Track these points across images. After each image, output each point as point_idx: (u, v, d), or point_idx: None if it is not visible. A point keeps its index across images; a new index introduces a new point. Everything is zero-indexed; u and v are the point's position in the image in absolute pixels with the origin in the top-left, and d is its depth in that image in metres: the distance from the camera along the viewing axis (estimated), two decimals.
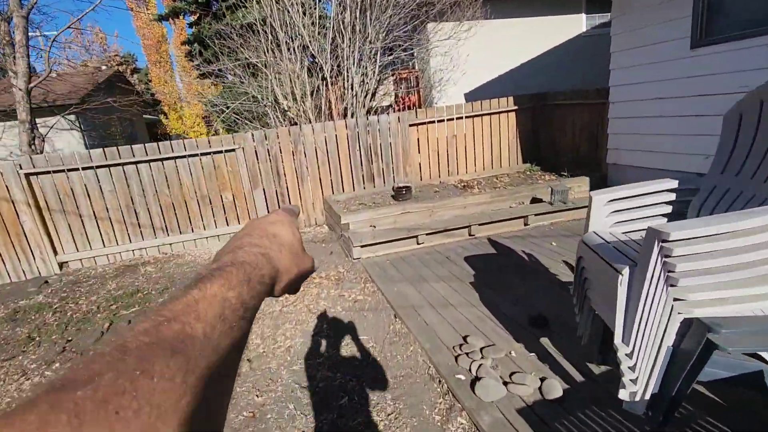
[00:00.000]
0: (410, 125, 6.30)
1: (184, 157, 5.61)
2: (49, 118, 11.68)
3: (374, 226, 5.05)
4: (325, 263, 4.81)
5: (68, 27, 6.20)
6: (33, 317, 4.36)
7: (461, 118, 6.48)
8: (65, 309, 4.45)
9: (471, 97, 8.25)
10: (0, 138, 8.36)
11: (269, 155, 5.86)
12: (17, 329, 4.14)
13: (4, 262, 5.24)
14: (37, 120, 11.31)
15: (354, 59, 6.43)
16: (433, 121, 6.39)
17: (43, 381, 3.18)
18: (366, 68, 6.51)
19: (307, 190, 6.14)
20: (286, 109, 6.82)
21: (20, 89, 5.68)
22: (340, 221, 5.03)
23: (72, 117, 12.21)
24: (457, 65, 7.76)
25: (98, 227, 5.55)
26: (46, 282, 5.24)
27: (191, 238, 5.87)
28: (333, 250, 5.21)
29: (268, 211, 5.99)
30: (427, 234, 4.75)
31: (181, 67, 18.40)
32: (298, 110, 6.69)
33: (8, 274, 5.31)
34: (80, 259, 5.60)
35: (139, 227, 5.69)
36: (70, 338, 3.79)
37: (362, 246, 4.62)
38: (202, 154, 5.65)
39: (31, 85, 5.86)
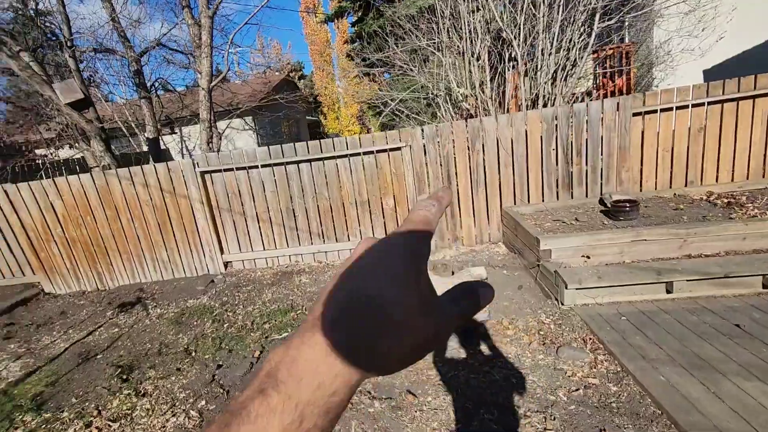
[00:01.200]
0: (634, 114, 4.51)
1: (345, 156, 4.95)
2: (234, 120, 12.99)
3: (588, 257, 3.53)
4: (514, 303, 3.51)
5: (245, 23, 6.30)
6: (195, 323, 4.14)
7: (716, 102, 4.40)
8: (223, 319, 4.14)
9: (719, 74, 5.86)
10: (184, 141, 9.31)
11: (440, 155, 4.81)
12: (179, 336, 3.92)
13: (180, 257, 5.36)
14: (222, 122, 12.73)
15: (554, 32, 4.93)
16: (670, 108, 4.46)
17: (186, 424, 2.66)
18: (570, 41, 4.94)
19: (481, 199, 4.92)
20: (461, 98, 5.72)
21: (203, 88, 5.88)
22: (536, 246, 3.66)
23: (249, 118, 13.45)
24: (708, 27, 5.44)
25: (259, 229, 5.30)
26: (212, 281, 5.17)
27: (347, 248, 5.22)
28: (522, 284, 3.87)
29: None
30: (688, 280, 3.03)
31: (340, 69, 19.21)
32: (476, 100, 5.51)
33: (183, 269, 5.42)
34: (242, 260, 5.45)
35: (297, 231, 5.27)
36: (221, 362, 3.31)
37: (579, 288, 3.17)
38: (364, 153, 4.92)
39: (212, 83, 6.05)
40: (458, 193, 4.90)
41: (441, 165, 4.84)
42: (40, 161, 8.10)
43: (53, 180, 5.10)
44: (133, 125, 9.38)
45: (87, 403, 3.03)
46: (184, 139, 12.66)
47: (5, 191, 5.15)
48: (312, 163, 5.02)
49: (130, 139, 10.31)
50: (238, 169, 5.09)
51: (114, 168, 5.58)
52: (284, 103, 12.00)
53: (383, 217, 5.11)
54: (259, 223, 5.27)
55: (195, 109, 7.56)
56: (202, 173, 5.11)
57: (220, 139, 6.18)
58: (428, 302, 0.30)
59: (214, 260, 5.36)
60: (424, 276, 0.31)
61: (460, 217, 4.97)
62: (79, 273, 5.47)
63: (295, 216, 5.22)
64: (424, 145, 4.80)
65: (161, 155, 7.34)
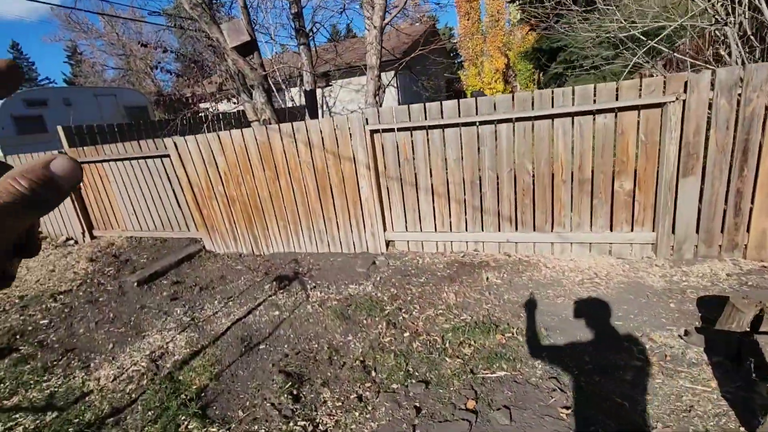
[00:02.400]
0: None
1: (567, 115, 3.51)
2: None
3: None
4: None
5: None
6: (364, 321, 3.32)
7: None
8: (398, 322, 3.23)
9: None
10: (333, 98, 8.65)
11: (737, 115, 3.05)
12: (349, 338, 3.13)
13: (338, 229, 4.64)
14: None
15: None
16: None
17: None
18: None
19: None
20: None
21: (375, 26, 4.90)
22: None
23: (391, 73, 12.46)
24: None
25: (433, 204, 4.25)
26: (374, 263, 4.35)
27: (548, 240, 3.88)
28: None
29: (698, 223, 3.35)
30: None
31: (489, 16, 16.93)
32: None
33: (340, 243, 4.71)
34: (407, 241, 4.51)
35: (481, 212, 4.08)
36: (418, 403, 2.37)
37: None
38: (598, 112, 3.41)
39: (385, 21, 5.04)
40: (755, 177, 3.12)
41: (735, 131, 3.08)
42: (203, 114, 8.25)
43: (217, 134, 4.70)
44: (292, 75, 9.07)
45: (257, 427, 2.36)
46: (326, 95, 12.29)
47: (175, 144, 4.94)
48: (516, 123, 3.69)
49: (277, 94, 10.16)
50: (415, 128, 4.03)
51: (275, 122, 5.02)
52: (431, 56, 10.68)
53: (611, 203, 3.61)
54: (433, 197, 4.22)
55: (349, 61, 6.70)
56: (372, 132, 4.17)
57: (383, 91, 5.24)
58: None
59: (375, 237, 4.52)
60: None
61: (751, 214, 3.20)
62: (236, 234, 5.17)
63: (481, 192, 4.02)
64: (711, 100, 3.08)
65: (317, 110, 6.77)
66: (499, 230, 4.07)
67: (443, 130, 3.95)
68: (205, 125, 7.62)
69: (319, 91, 11.70)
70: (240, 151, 4.66)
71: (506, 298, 3.34)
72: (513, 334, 2.85)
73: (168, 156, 5.13)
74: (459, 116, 3.82)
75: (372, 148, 4.20)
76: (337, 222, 4.62)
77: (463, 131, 3.88)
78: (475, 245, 4.23)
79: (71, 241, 6.49)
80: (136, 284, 4.57)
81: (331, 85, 11.48)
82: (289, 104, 10.85)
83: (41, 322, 4.07)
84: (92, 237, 6.48)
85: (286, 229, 4.88)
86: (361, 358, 2.85)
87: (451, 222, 4.24)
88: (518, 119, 3.66)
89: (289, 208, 4.75)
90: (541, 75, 11.13)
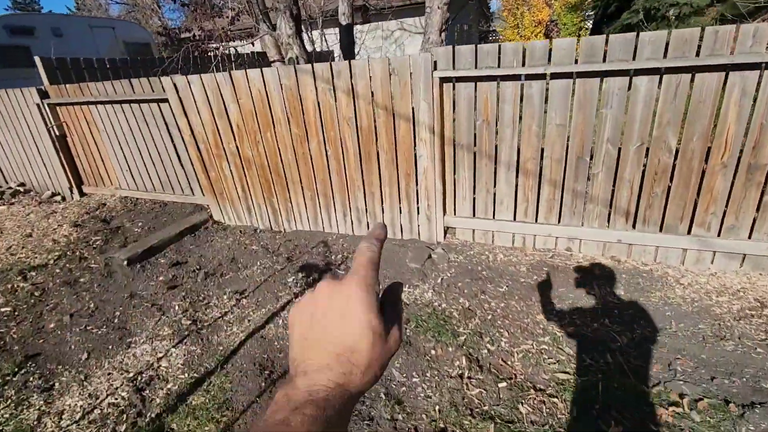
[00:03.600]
0: None
1: (754, 67, 2.33)
2: (407, 19, 10.61)
3: None
4: None
5: None
6: (431, 351, 2.35)
7: None
8: (480, 351, 2.26)
9: None
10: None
11: None
12: (414, 379, 2.18)
13: (383, 207, 3.60)
14: (387, 22, 10.40)
15: None
16: None
17: None
18: None
19: None
20: None
21: None
22: None
23: (421, 18, 10.89)
24: None
25: (516, 185, 3.16)
26: (430, 256, 3.34)
27: (679, 245, 2.82)
28: None
29: None
30: None
31: None
32: None
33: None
34: (473, 230, 3.47)
35: (585, 200, 3.00)
36: None
37: None
38: None
39: None
40: None
41: None
42: (212, 53, 6.99)
43: (229, 74, 3.56)
44: (312, 15, 7.68)
45: None
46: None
47: (175, 85, 3.82)
48: (665, 76, 2.52)
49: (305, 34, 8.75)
50: (506, 78, 2.87)
51: (304, 62, 3.85)
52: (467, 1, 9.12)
53: None
54: (518, 175, 3.13)
55: None
56: (442, 81, 3.02)
57: (446, 28, 3.98)
58: (384, 330, 0.37)
59: (431, 222, 3.49)
60: (379, 312, 0.37)
61: None
62: (251, 204, 4.15)
63: (590, 173, 2.92)
64: None
65: (353, 52, 5.51)
66: (608, 226, 3.00)
67: (548, 82, 2.79)
68: (213, 65, 6.40)
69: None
70: (259, 100, 3.54)
71: (638, 333, 2.34)
72: (683, 409, 1.86)
73: (167, 100, 4.03)
74: (576, 62, 2.65)
75: (440, 103, 3.06)
76: (382, 198, 3.57)
77: (579, 85, 2.72)
78: (568, 242, 3.18)
79: (57, 197, 5.55)
80: (126, 263, 3.63)
81: (370, 21, 9.97)
82: (309, 49, 9.45)
83: (2, 309, 3.17)
84: (81, 194, 5.52)
85: (315, 202, 3.84)
86: (441, 425, 1.90)
87: (538, 210, 3.17)
88: (670, 70, 2.49)
89: (320, 177, 3.69)
90: (604, 27, 9.55)
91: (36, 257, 3.90)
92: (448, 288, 2.94)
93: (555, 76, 2.75)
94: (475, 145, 3.17)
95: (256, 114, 3.62)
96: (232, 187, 4.15)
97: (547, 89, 2.81)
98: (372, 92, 3.18)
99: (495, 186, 3.23)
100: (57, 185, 5.57)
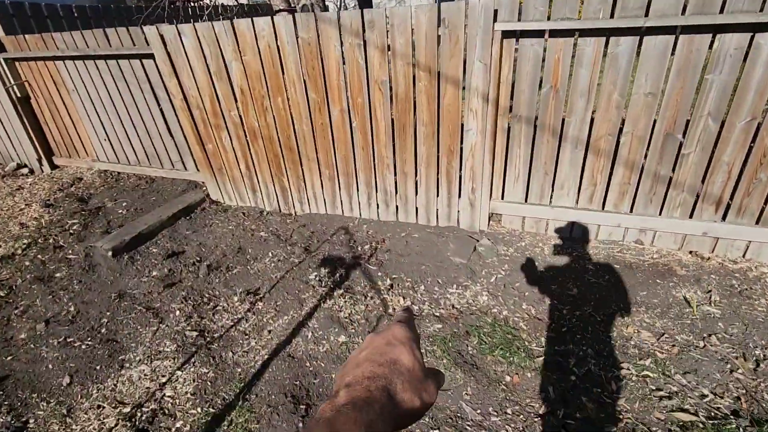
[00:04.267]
0: None
1: None
2: None
3: None
4: None
5: None
6: (504, 377, 1.91)
7: None
8: (551, 371, 1.83)
9: None
10: None
11: None
12: (495, 424, 1.74)
13: (416, 189, 3.07)
14: None
15: None
16: None
17: None
18: None
19: None
20: None
21: None
22: None
23: None
24: None
25: (582, 167, 2.66)
26: (476, 249, 2.86)
27: None
28: None
29: None
30: None
31: None
32: None
33: (416, 209, 3.17)
34: (522, 218, 2.99)
35: (668, 186, 2.53)
36: None
37: None
38: None
39: None
40: None
41: None
42: (198, 3, 6.09)
43: (231, 24, 2.87)
44: None
45: None
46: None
47: (162, 37, 3.11)
48: None
49: None
50: (586, 33, 2.30)
51: (321, 11, 3.16)
52: None
53: None
54: (586, 154, 2.62)
55: None
56: (504, 35, 2.43)
57: None
58: (422, 361, 0.40)
59: (474, 207, 2.98)
60: (422, 357, 0.41)
61: None
62: (256, 182, 3.57)
63: (679, 153, 2.43)
64: None
65: (371, 3, 4.74)
66: (691, 216, 2.55)
67: (640, 39, 2.24)
68: (204, 17, 5.56)
69: None
70: (269, 57, 2.89)
71: (757, 354, 1.93)
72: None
73: (151, 56, 3.32)
74: (683, 12, 2.09)
75: (498, 64, 2.48)
76: (416, 179, 3.04)
77: (683, 43, 2.18)
78: (639, 234, 2.73)
79: (24, 170, 4.82)
80: (111, 253, 3.06)
81: None
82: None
83: None
84: (53, 166, 4.80)
85: (333, 182, 3.28)
86: None
87: (606, 196, 2.69)
88: None
89: (342, 153, 3.11)
90: None
91: (1, 245, 3.27)
92: (505, 289, 2.49)
93: (651, 31, 2.19)
94: (537, 117, 2.62)
95: (264, 75, 2.97)
96: (234, 163, 3.54)
97: (639, 48, 2.25)
98: (413, 48, 2.57)
99: (556, 167, 2.72)
100: (23, 156, 4.82)
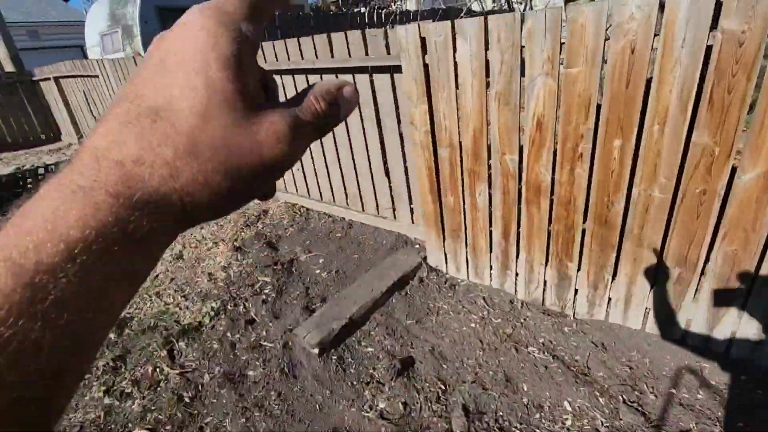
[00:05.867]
0: None
1: None
2: None
3: None
4: None
5: None
6: None
7: None
8: None
9: None
10: None
11: None
12: None
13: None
14: None
15: None
16: None
17: None
18: None
19: None
20: None
21: None
22: None
23: None
24: None
25: None
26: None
27: None
28: None
29: None
30: None
31: None
32: None
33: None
34: None
35: None
36: None
37: None
38: None
39: None
40: None
41: None
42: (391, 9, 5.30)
43: (558, 12, 1.68)
44: None
45: None
46: None
47: (421, 40, 2.09)
48: None
49: None
50: None
51: None
52: None
53: None
54: None
55: None
56: None
57: None
58: (238, 92, 0.20)
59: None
60: (238, 64, 0.20)
61: None
62: (513, 259, 2.35)
63: None
64: None
65: None
66: None
67: None
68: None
69: None
70: (622, 67, 1.61)
71: None
72: None
73: (390, 70, 2.35)
74: None
75: None
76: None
77: None
78: None
79: None
80: (316, 351, 2.12)
81: None
82: None
83: None
84: None
85: (686, 288, 1.86)
86: None
87: None
88: None
89: (736, 247, 1.67)
90: None
91: (186, 308, 2.60)
92: None
93: None
94: None
95: (602, 98, 1.71)
96: (483, 228, 2.36)
97: None
98: None
99: None
100: None
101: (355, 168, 3.08)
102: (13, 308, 0.15)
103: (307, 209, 3.70)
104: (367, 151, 2.90)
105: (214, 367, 2.14)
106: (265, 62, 3.14)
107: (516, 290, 2.43)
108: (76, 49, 15.04)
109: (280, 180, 3.58)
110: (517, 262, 2.33)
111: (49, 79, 6.94)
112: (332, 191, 3.41)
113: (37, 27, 13.99)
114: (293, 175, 3.67)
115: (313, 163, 3.40)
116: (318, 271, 2.84)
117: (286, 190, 3.83)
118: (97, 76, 5.43)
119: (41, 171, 4.31)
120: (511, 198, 2.17)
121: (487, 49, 1.89)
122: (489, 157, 2.15)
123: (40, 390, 0.16)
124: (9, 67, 7.99)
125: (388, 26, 2.28)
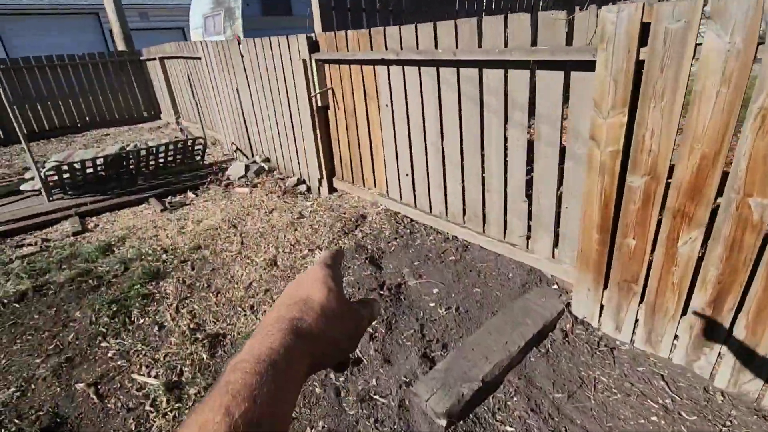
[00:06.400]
0: None
1: None
2: None
3: None
4: None
5: None
6: None
7: None
8: None
9: None
10: None
11: None
12: None
13: None
14: None
15: None
16: None
17: None
18: None
19: None
20: None
21: None
22: None
23: None
24: None
25: None
26: None
27: None
28: None
29: None
30: None
31: None
32: None
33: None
34: None
35: None
36: None
37: None
38: None
39: None
40: None
41: None
42: None
43: None
44: None
45: None
46: None
47: (653, 27, 1.50)
48: None
49: None
50: None
51: None
52: None
53: None
54: None
55: None
56: None
57: None
58: (336, 287, 0.40)
59: None
60: (334, 277, 0.41)
61: None
62: (722, 332, 1.69)
63: None
64: None
65: None
66: None
67: None
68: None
69: None
70: None
71: None
72: None
73: (561, 66, 1.78)
74: None
75: None
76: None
77: None
78: None
79: (302, 187, 4.18)
80: (444, 424, 1.66)
81: None
82: None
83: None
84: (331, 189, 4.01)
85: None
86: None
87: None
88: None
89: None
90: None
91: None
92: None
93: None
94: None
95: None
96: (678, 286, 1.73)
97: None
98: None
99: None
100: (304, 172, 4.18)
101: (483, 181, 2.55)
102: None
103: (411, 220, 3.25)
104: (505, 163, 2.36)
105: (317, 420, 1.77)
106: (386, 50, 2.69)
107: (713, 376, 1.78)
108: (178, 30, 15.95)
109: (381, 181, 3.14)
110: (728, 341, 1.68)
111: (154, 59, 7.16)
112: (446, 203, 2.92)
113: (147, 9, 14.96)
114: (399, 179, 3.23)
115: (427, 167, 2.93)
116: (433, 305, 2.38)
117: (388, 194, 3.41)
118: (200, 58, 5.40)
119: (143, 152, 4.29)
120: (744, 256, 1.52)
121: (760, 43, 1.26)
122: (718, 194, 1.52)
123: None
124: (121, 46, 8.43)
125: (576, 8, 1.70)
